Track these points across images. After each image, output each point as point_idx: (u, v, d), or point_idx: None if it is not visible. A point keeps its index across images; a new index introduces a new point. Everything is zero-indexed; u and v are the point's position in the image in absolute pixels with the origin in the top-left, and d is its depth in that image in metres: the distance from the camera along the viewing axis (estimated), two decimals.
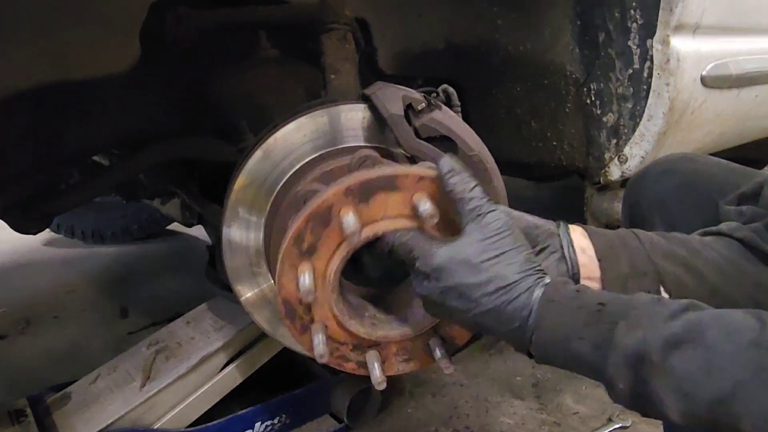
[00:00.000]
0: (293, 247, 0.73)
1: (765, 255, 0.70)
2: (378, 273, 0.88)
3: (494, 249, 0.62)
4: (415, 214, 0.72)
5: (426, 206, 0.70)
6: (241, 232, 0.95)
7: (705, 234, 0.75)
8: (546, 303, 0.58)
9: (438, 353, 0.79)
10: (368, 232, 0.72)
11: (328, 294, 0.76)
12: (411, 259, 0.70)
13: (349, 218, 0.69)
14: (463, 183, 0.67)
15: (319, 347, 0.75)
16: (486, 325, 0.62)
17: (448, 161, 0.69)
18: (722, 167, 0.89)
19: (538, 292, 0.59)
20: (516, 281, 0.60)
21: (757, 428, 0.43)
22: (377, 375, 0.78)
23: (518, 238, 0.64)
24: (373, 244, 0.74)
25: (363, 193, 0.72)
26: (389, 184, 0.72)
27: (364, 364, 0.81)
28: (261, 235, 0.96)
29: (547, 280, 0.61)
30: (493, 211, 0.65)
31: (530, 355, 0.61)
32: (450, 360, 0.80)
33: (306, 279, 0.71)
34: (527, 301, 0.59)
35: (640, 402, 0.51)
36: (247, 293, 0.99)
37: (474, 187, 0.67)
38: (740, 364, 0.45)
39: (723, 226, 0.74)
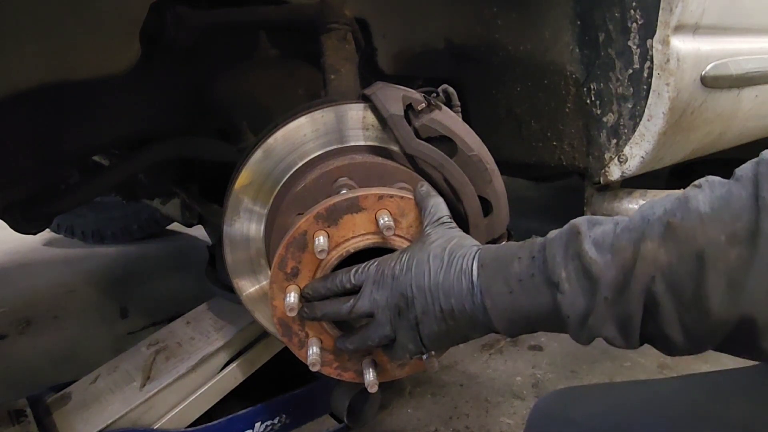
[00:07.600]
0: (279, 271, 0.79)
1: None
2: None
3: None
4: (378, 229, 0.78)
5: (385, 219, 0.77)
6: (242, 230, 0.96)
7: None
8: (483, 252, 0.69)
9: (370, 375, 0.83)
10: (340, 251, 0.79)
11: None
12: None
13: (320, 240, 0.76)
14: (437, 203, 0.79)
15: (312, 357, 0.81)
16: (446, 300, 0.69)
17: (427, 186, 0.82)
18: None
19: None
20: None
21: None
22: (369, 378, 0.82)
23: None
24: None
25: (331, 217, 0.78)
26: (354, 206, 0.78)
27: (362, 373, 0.85)
28: (262, 232, 0.96)
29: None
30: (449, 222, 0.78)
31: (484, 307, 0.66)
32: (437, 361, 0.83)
33: (291, 297, 0.78)
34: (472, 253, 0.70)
35: (574, 266, 0.59)
36: (248, 289, 1.00)
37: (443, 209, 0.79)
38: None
39: None
